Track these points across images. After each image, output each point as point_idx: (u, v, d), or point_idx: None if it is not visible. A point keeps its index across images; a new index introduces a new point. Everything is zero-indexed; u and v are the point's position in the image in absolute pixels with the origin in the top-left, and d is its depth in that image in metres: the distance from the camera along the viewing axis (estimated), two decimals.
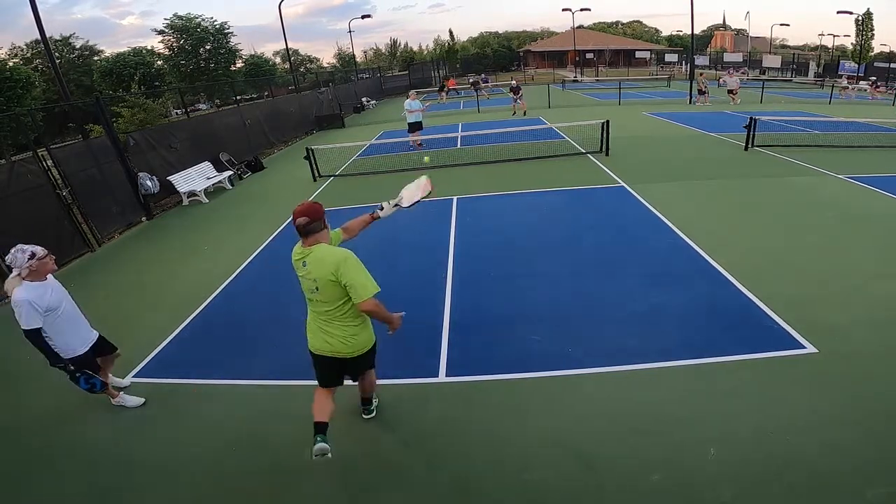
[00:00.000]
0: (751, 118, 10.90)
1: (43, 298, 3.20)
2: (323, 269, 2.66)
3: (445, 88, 32.12)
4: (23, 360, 4.84)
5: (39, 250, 3.23)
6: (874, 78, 26.77)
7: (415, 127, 13.55)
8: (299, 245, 2.82)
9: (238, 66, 45.54)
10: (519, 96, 19.46)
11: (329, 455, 2.79)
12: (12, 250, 3.16)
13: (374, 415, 3.48)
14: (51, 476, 3.24)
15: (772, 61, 39.74)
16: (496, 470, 2.94)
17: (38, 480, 3.22)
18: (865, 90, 24.06)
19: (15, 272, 3.20)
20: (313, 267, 2.69)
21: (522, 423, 3.29)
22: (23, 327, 3.12)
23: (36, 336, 3.16)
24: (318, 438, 2.82)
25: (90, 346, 3.57)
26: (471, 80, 33.89)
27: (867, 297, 4.44)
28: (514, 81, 22.05)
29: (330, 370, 2.97)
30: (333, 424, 3.47)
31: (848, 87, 23.82)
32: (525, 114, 19.17)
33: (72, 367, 3.34)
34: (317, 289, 2.72)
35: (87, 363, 3.50)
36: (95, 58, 43.26)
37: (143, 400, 3.87)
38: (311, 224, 2.71)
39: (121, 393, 3.86)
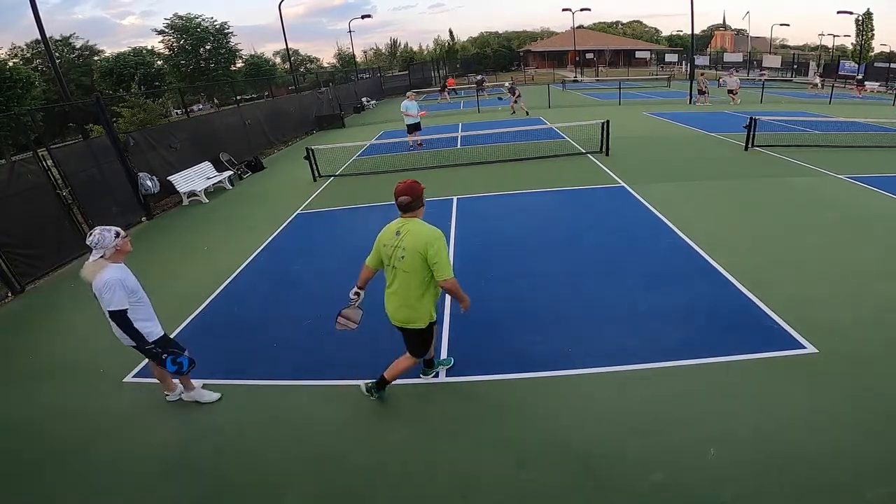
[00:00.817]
0: (751, 118, 10.90)
1: (128, 279, 3.19)
2: (415, 242, 2.95)
3: (447, 88, 32.13)
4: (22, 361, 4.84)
5: (120, 230, 3.23)
6: (860, 77, 26.94)
7: (413, 128, 13.52)
8: (397, 221, 3.13)
9: (238, 66, 45.54)
10: (517, 97, 19.27)
11: (363, 390, 3.45)
12: (96, 231, 3.11)
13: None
14: (50, 476, 3.24)
15: (772, 61, 39.71)
16: (496, 470, 2.94)
17: (38, 478, 3.22)
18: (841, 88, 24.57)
19: (96, 254, 3.12)
20: (407, 238, 2.99)
21: (522, 424, 3.29)
22: (111, 309, 3.06)
23: (123, 317, 3.10)
24: (378, 391, 3.43)
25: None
26: (476, 79, 33.78)
27: (867, 297, 4.44)
28: (507, 83, 21.73)
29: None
30: (332, 425, 3.47)
31: (817, 86, 24.36)
32: (527, 114, 18.96)
33: (158, 349, 3.30)
34: (403, 257, 2.99)
35: (169, 342, 3.47)
36: (95, 58, 43.26)
37: (219, 395, 3.80)
38: (411, 203, 3.03)
39: (198, 387, 3.79)
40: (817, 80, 26.15)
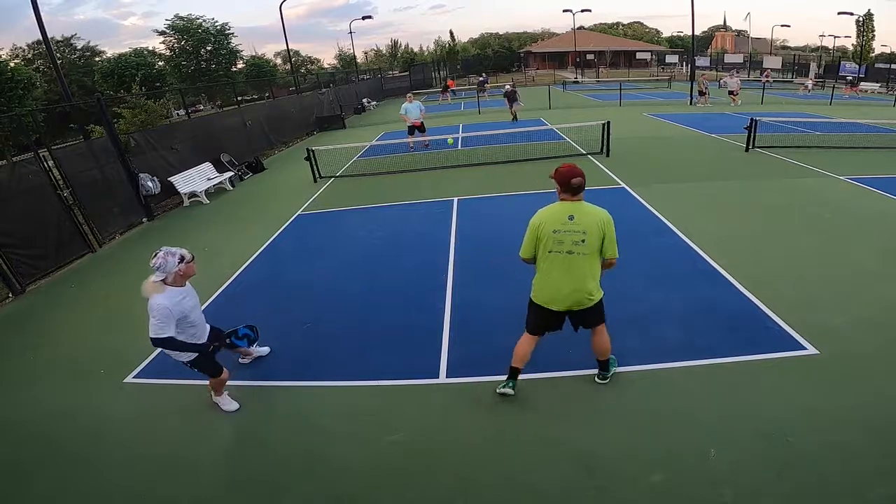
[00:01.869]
0: (752, 119, 10.90)
1: (184, 303, 3.12)
2: (593, 221, 3.00)
3: (448, 90, 32.15)
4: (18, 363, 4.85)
5: (187, 253, 3.13)
6: (851, 77, 27.05)
7: (413, 130, 13.48)
8: (557, 206, 3.09)
9: (239, 66, 45.61)
10: (515, 104, 17.56)
11: (511, 395, 3.40)
12: (160, 253, 3.01)
13: (607, 381, 3.53)
14: (50, 476, 3.24)
15: (772, 62, 39.70)
16: (496, 471, 2.94)
17: (38, 478, 3.22)
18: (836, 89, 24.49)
19: (159, 276, 3.03)
20: (583, 219, 3.01)
21: (522, 424, 3.29)
22: (150, 335, 2.95)
23: (162, 343, 3.03)
24: (510, 384, 3.41)
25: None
26: (478, 80, 33.68)
27: (868, 299, 4.43)
28: (508, 86, 19.21)
29: (549, 319, 3.28)
30: (332, 425, 3.48)
31: (807, 87, 24.54)
32: (515, 118, 17.69)
33: (216, 345, 3.44)
34: (583, 241, 3.00)
35: (219, 334, 3.62)
36: (97, 58, 43.37)
37: (238, 405, 3.69)
38: (584, 183, 3.05)
39: (225, 394, 3.71)
40: (808, 82, 26.36)
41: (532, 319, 3.36)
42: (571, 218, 3.01)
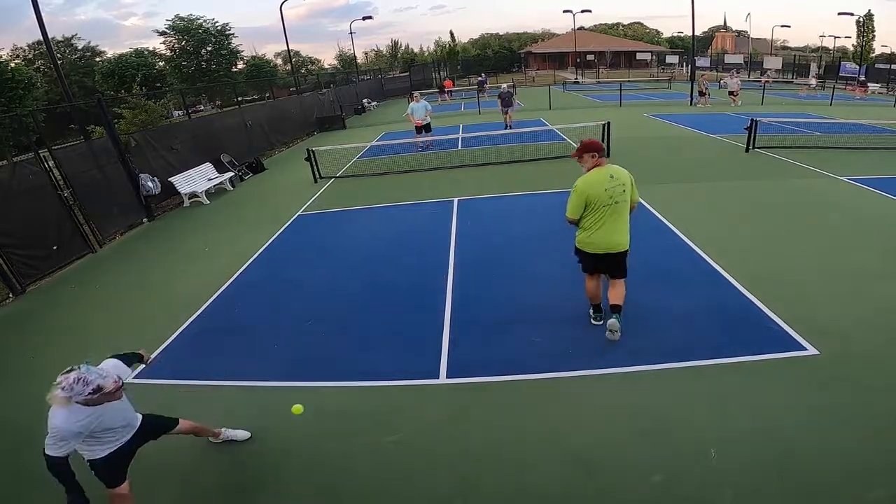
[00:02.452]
0: (752, 120, 10.89)
1: (92, 423, 2.44)
2: (626, 175, 3.83)
3: (445, 90, 32.13)
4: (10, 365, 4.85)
5: (110, 384, 2.38)
6: (862, 78, 26.94)
7: (420, 129, 13.42)
8: (595, 172, 3.81)
9: (239, 67, 45.60)
10: (510, 109, 15.49)
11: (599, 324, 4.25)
12: (72, 375, 2.31)
13: (618, 335, 3.95)
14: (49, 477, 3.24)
15: (773, 63, 39.70)
16: (496, 471, 2.94)
17: (38, 480, 3.22)
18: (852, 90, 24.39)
19: (64, 393, 2.29)
20: (620, 175, 3.80)
21: (522, 425, 3.29)
22: (45, 452, 2.36)
23: (52, 466, 2.38)
24: (597, 316, 4.36)
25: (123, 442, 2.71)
26: (477, 80, 33.47)
27: (869, 299, 4.43)
28: (505, 86, 17.26)
29: (598, 262, 4.04)
30: (332, 425, 3.48)
31: (812, 87, 24.29)
32: (508, 127, 15.28)
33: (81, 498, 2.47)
34: (624, 191, 3.78)
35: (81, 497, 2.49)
36: (97, 59, 43.36)
37: (248, 434, 3.45)
38: (604, 150, 3.99)
39: (224, 430, 3.42)
40: (813, 81, 25.76)
41: (587, 263, 4.12)
42: (612, 177, 3.76)
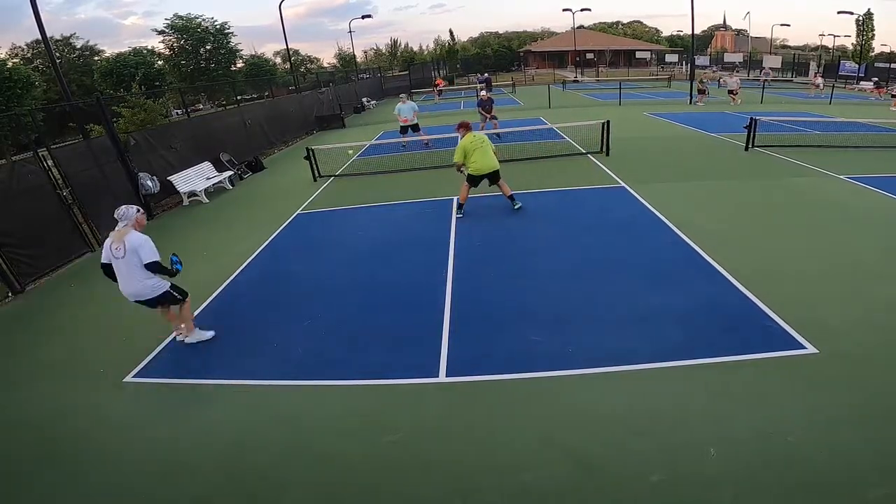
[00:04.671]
0: (751, 118, 10.89)
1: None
2: (484, 138, 7.33)
3: (437, 88, 32.02)
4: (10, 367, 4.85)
5: (140, 209, 4.33)
6: (876, 79, 26.69)
7: (406, 129, 13.39)
8: (472, 135, 7.29)
9: (238, 66, 45.53)
10: (490, 116, 13.63)
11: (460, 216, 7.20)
12: (122, 207, 4.20)
13: (519, 206, 7.51)
14: (50, 476, 3.24)
15: (772, 62, 39.68)
16: (495, 471, 2.94)
17: (38, 478, 3.22)
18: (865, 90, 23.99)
19: (123, 223, 4.13)
20: (480, 136, 7.35)
21: (522, 424, 3.29)
22: (149, 260, 4.07)
23: (157, 266, 4.12)
24: (460, 212, 7.53)
25: None
26: (486, 77, 32.74)
27: (868, 298, 4.44)
28: (484, 92, 15.61)
29: (480, 180, 7.35)
30: (332, 425, 3.49)
31: (819, 86, 23.70)
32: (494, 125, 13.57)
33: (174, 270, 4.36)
34: (483, 143, 7.20)
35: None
36: (96, 58, 43.27)
37: (213, 333, 4.70)
38: (469, 126, 7.53)
39: (196, 329, 4.70)
40: (819, 80, 24.82)
41: (475, 180, 7.35)
42: (476, 137, 7.24)
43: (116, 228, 4.13)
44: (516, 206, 7.43)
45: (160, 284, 4.24)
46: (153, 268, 4.09)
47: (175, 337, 4.72)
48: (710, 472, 2.78)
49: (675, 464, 2.85)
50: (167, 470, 3.20)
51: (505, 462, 3.00)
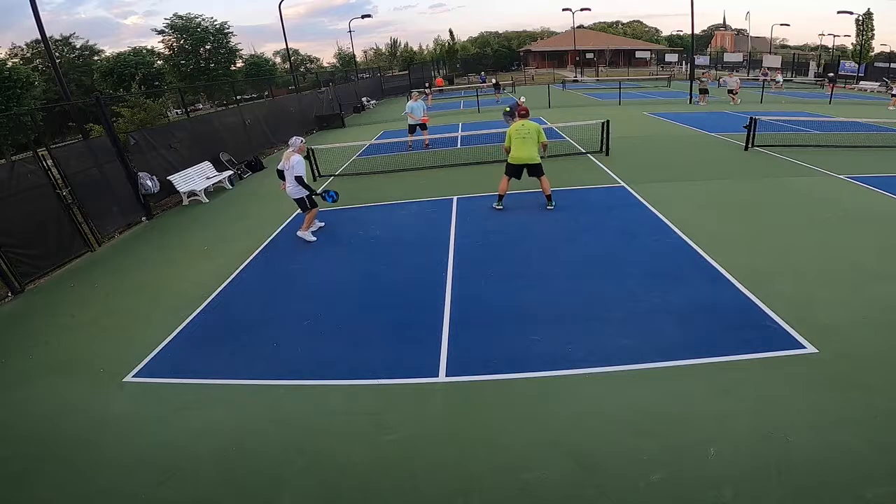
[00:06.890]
0: (751, 118, 10.89)
1: (303, 163, 6.74)
2: (533, 127, 7.23)
3: (431, 88, 31.91)
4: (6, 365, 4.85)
5: (302, 138, 6.91)
6: (885, 79, 26.82)
7: (414, 128, 13.43)
8: (520, 123, 7.30)
9: (238, 66, 45.49)
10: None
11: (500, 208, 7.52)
12: (293, 137, 6.86)
13: (553, 207, 7.48)
14: (50, 476, 3.24)
15: (772, 61, 39.67)
16: (496, 470, 2.94)
17: (38, 478, 3.22)
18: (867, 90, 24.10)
19: (291, 149, 6.69)
20: (529, 125, 7.22)
21: (522, 423, 3.29)
22: (299, 174, 6.60)
23: (302, 180, 6.62)
24: (500, 204, 7.65)
25: None
26: (493, 82, 32.53)
27: (868, 298, 4.44)
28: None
29: (519, 171, 7.40)
30: (332, 425, 3.49)
31: (779, 83, 24.59)
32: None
33: (317, 193, 6.84)
34: (528, 134, 7.15)
35: (314, 190, 6.98)
36: (95, 57, 43.23)
37: (315, 238, 7.06)
38: (528, 113, 7.51)
39: (309, 231, 7.14)
40: (779, 76, 26.74)
41: (511, 169, 7.41)
42: (524, 125, 7.19)
43: (286, 151, 6.71)
44: (549, 206, 7.46)
45: (301, 191, 6.65)
46: (298, 181, 6.58)
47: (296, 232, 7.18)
48: (710, 472, 2.78)
49: (676, 463, 2.85)
50: (167, 470, 3.20)
51: (506, 461, 3.00)
